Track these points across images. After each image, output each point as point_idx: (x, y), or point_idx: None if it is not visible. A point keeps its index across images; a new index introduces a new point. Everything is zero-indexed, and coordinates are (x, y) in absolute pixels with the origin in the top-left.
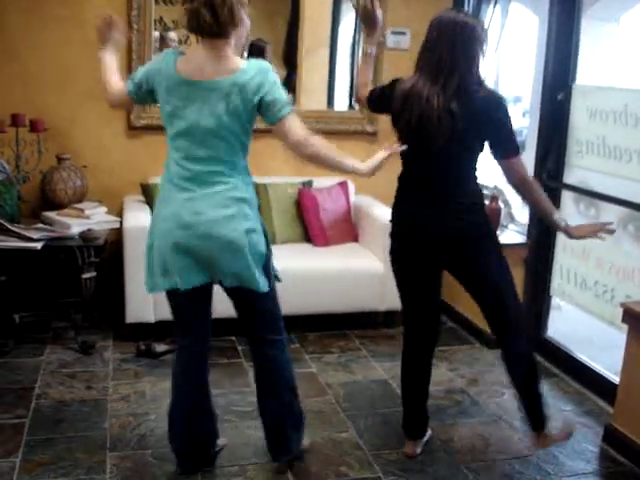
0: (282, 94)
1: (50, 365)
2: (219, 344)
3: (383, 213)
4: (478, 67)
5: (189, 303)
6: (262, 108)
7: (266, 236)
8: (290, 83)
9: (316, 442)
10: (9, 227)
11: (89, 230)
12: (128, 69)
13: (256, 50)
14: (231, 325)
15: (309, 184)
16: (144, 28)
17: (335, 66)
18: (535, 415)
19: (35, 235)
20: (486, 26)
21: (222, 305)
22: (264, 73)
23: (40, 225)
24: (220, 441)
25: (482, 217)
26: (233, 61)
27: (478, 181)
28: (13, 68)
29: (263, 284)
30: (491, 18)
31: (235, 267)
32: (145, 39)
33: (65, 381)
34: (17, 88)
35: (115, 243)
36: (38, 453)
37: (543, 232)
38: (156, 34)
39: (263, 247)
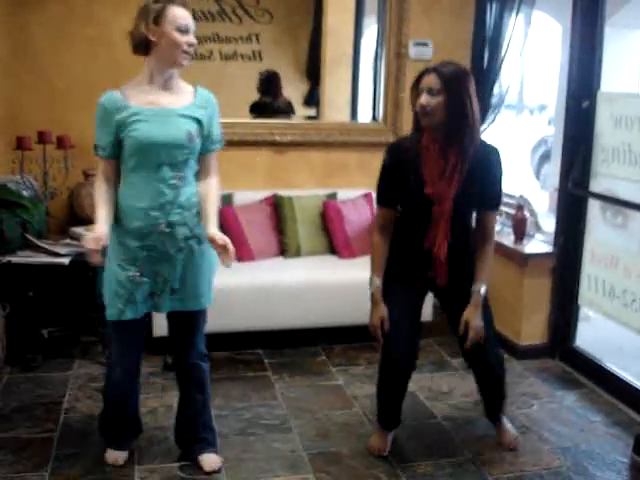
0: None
1: (78, 379)
2: (245, 357)
3: None
4: None
5: None
6: None
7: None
8: (314, 96)
9: (343, 454)
10: (37, 243)
11: None
12: None
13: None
14: (257, 338)
15: (333, 196)
16: None
17: (358, 78)
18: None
19: (63, 250)
20: (508, 34)
21: (245, 319)
22: None
23: (68, 240)
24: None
25: None
26: None
27: None
28: (40, 86)
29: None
30: (514, 27)
31: None
32: None
33: (93, 395)
34: (44, 106)
35: None
36: (67, 467)
37: (570, 241)
38: None
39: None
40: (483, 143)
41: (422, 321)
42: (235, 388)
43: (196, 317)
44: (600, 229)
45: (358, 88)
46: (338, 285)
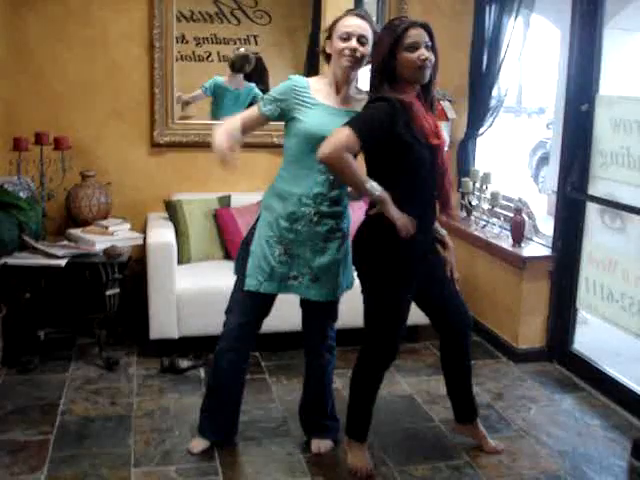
0: None
1: (75, 381)
2: None
3: None
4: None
5: None
6: None
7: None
8: None
9: (341, 458)
10: (34, 244)
11: (113, 247)
12: (151, 86)
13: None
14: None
15: None
16: (166, 45)
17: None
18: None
19: (59, 252)
20: (507, 37)
21: None
22: None
23: (65, 242)
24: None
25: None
26: None
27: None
28: (37, 87)
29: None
30: (513, 30)
31: None
32: (167, 56)
33: (90, 397)
34: (41, 106)
35: (139, 259)
36: (63, 469)
37: (568, 244)
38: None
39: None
40: None
41: (418, 325)
42: None
43: (329, 308)
44: (598, 232)
45: None
46: None
